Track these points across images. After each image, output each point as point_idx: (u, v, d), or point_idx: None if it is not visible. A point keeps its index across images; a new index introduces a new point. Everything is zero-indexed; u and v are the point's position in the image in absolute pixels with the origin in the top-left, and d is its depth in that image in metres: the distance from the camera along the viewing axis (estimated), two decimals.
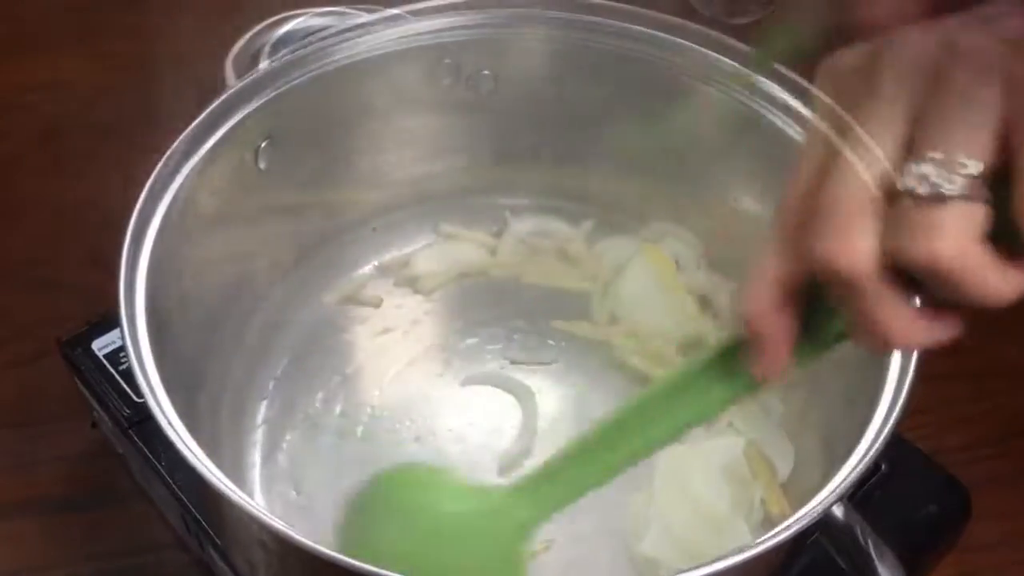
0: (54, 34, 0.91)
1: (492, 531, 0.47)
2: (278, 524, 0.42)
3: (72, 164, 0.81)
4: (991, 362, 0.71)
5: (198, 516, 0.57)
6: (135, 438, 0.60)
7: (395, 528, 0.49)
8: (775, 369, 0.41)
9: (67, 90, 0.87)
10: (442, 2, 0.61)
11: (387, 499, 0.49)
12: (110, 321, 0.64)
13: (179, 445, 0.45)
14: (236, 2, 0.63)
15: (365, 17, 0.60)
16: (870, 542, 0.47)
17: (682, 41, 0.61)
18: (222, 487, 0.44)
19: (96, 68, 0.88)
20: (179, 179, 0.54)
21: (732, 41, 0.60)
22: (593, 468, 0.45)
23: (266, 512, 0.43)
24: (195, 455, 0.45)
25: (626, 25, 0.61)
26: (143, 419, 0.60)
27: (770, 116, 0.59)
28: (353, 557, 0.41)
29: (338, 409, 0.64)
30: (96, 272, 0.73)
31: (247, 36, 0.60)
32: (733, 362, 0.42)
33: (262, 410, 0.64)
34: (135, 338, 0.49)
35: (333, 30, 0.59)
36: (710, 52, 0.60)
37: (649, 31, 0.61)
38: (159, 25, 0.87)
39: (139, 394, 0.60)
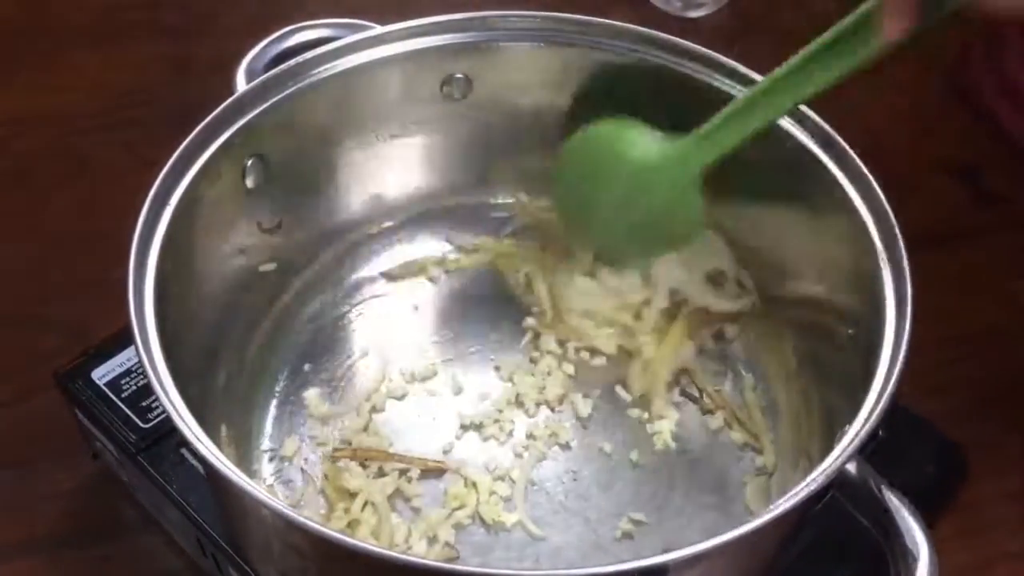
0: None
1: (675, 176, 0.59)
2: (328, 530, 0.43)
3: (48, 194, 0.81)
4: (969, 325, 0.74)
5: (215, 536, 0.57)
6: (144, 463, 0.60)
7: (596, 180, 0.62)
8: (902, 22, 0.49)
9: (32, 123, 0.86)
10: (439, 19, 0.62)
11: (589, 152, 0.62)
12: (107, 350, 0.64)
13: (212, 460, 0.45)
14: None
15: (356, 35, 0.60)
16: (886, 493, 0.48)
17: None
18: (263, 497, 0.44)
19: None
20: (174, 199, 0.55)
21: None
22: (754, 116, 0.57)
23: (310, 518, 0.43)
24: (230, 469, 0.45)
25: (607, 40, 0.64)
26: (151, 444, 0.60)
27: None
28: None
29: (342, 416, 0.64)
30: (80, 303, 0.74)
31: (259, 47, 0.60)
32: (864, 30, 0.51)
33: (268, 422, 0.63)
34: (152, 360, 0.49)
35: (327, 47, 0.59)
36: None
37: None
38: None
39: (145, 420, 0.61)
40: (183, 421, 0.46)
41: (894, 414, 0.60)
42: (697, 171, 0.59)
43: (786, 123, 0.59)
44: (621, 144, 0.61)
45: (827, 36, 0.53)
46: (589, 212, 0.64)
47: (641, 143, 0.60)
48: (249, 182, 0.59)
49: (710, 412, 0.63)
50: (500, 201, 0.70)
